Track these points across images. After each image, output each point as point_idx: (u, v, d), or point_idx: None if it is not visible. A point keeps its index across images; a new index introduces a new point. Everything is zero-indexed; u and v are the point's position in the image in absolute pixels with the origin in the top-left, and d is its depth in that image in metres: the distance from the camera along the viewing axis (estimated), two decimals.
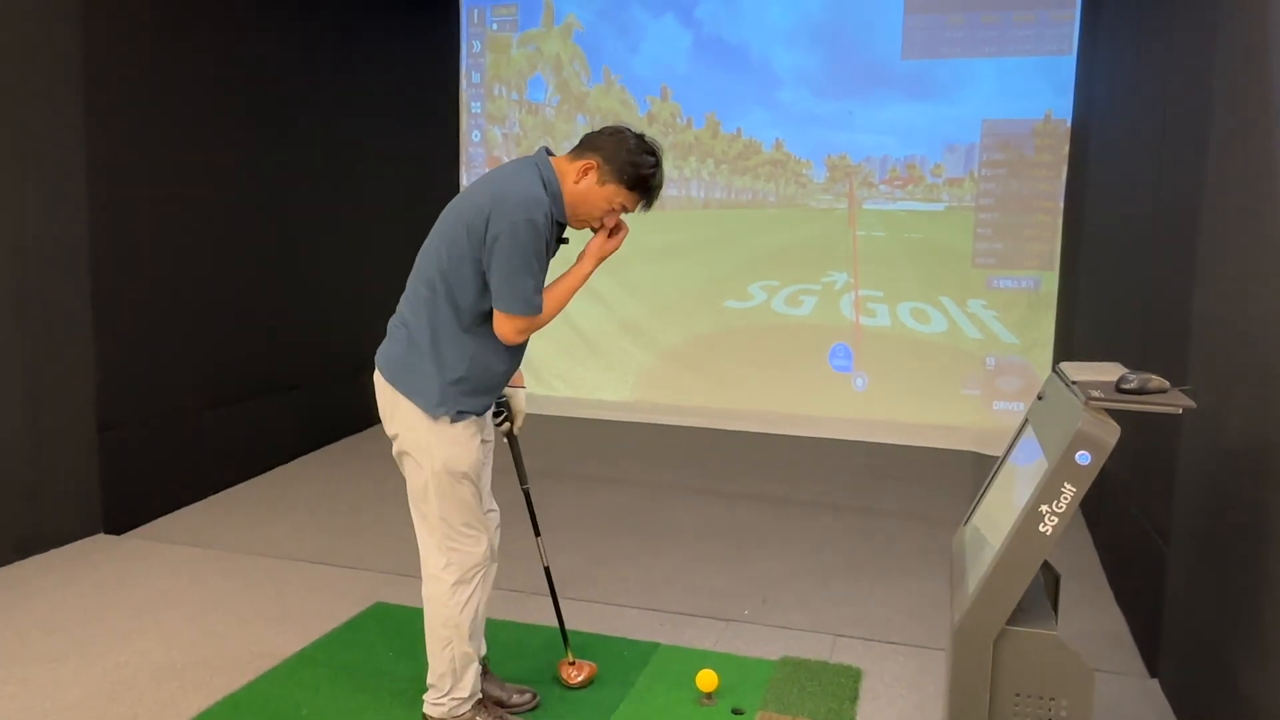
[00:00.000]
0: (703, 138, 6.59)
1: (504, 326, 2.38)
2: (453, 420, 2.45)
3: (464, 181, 7.05)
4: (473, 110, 7.02)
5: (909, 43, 6.11)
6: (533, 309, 2.37)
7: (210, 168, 4.70)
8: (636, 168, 2.41)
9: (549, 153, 2.49)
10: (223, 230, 4.81)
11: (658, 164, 2.46)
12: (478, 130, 7.02)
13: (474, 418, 2.50)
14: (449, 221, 2.43)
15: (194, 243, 4.63)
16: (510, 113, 6.95)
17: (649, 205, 2.49)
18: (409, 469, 2.51)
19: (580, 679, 2.94)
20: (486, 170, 6.93)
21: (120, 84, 4.16)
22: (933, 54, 6.08)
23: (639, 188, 2.44)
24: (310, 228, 5.47)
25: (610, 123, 6.58)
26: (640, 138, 2.46)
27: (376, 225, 6.00)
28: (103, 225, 4.10)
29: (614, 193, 2.43)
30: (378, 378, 2.51)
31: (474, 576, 2.54)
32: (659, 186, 2.48)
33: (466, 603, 2.54)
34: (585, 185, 2.42)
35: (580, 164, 2.42)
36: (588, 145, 2.45)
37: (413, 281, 2.50)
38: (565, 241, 2.53)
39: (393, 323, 2.54)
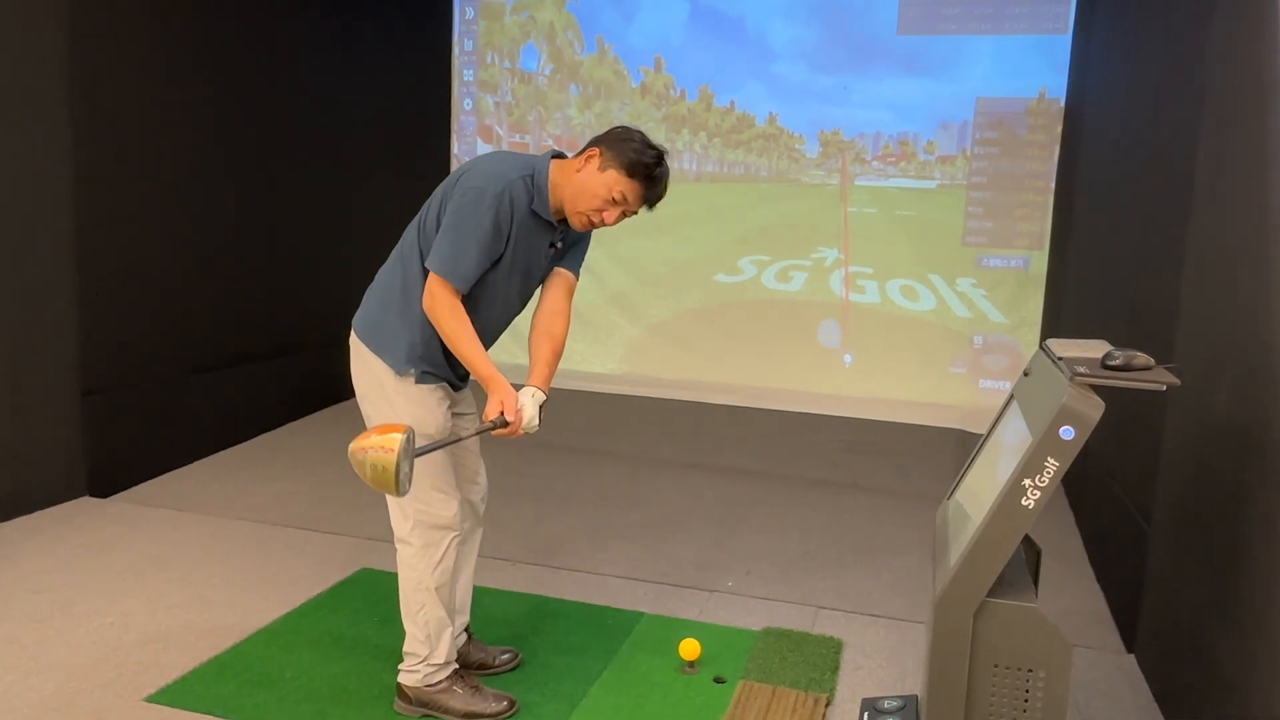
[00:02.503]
0: (696, 110, 6.56)
1: (429, 283, 2.37)
2: (417, 380, 2.46)
3: (455, 149, 7.00)
4: (465, 78, 6.96)
5: (905, 18, 6.07)
6: (452, 275, 2.33)
7: (197, 131, 4.65)
8: (638, 154, 2.40)
9: (559, 155, 2.51)
10: (209, 194, 4.76)
11: (661, 160, 2.44)
12: (469, 98, 6.96)
13: (442, 384, 2.52)
14: (435, 194, 2.49)
15: (180, 206, 4.58)
16: (503, 81, 6.89)
17: (652, 204, 2.47)
18: None
19: None
20: (477, 137, 6.92)
21: (106, 45, 4.11)
22: (929, 30, 6.04)
23: (638, 175, 2.40)
24: (299, 192, 5.43)
25: (603, 92, 6.61)
26: (645, 138, 2.46)
27: (365, 191, 5.95)
28: (87, 187, 4.06)
29: (614, 180, 2.40)
30: (352, 339, 2.55)
31: (443, 539, 2.53)
32: (661, 182, 2.45)
33: (437, 565, 2.53)
34: (586, 173, 2.42)
35: (582, 155, 2.44)
36: (594, 141, 2.47)
37: (398, 246, 2.55)
38: (555, 247, 2.52)
39: (372, 287, 2.58)
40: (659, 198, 2.48)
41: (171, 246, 4.54)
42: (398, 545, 2.56)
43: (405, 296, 2.45)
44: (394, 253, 2.54)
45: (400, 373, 2.45)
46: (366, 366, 2.49)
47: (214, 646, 2.94)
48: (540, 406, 2.45)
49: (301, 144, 5.41)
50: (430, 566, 2.52)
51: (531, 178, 2.41)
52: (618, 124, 2.52)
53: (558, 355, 2.55)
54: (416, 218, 2.51)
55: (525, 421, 2.40)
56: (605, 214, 2.44)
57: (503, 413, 2.35)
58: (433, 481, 2.51)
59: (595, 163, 2.41)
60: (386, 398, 2.46)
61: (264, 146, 5.11)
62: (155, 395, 4.49)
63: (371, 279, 2.61)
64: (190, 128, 4.60)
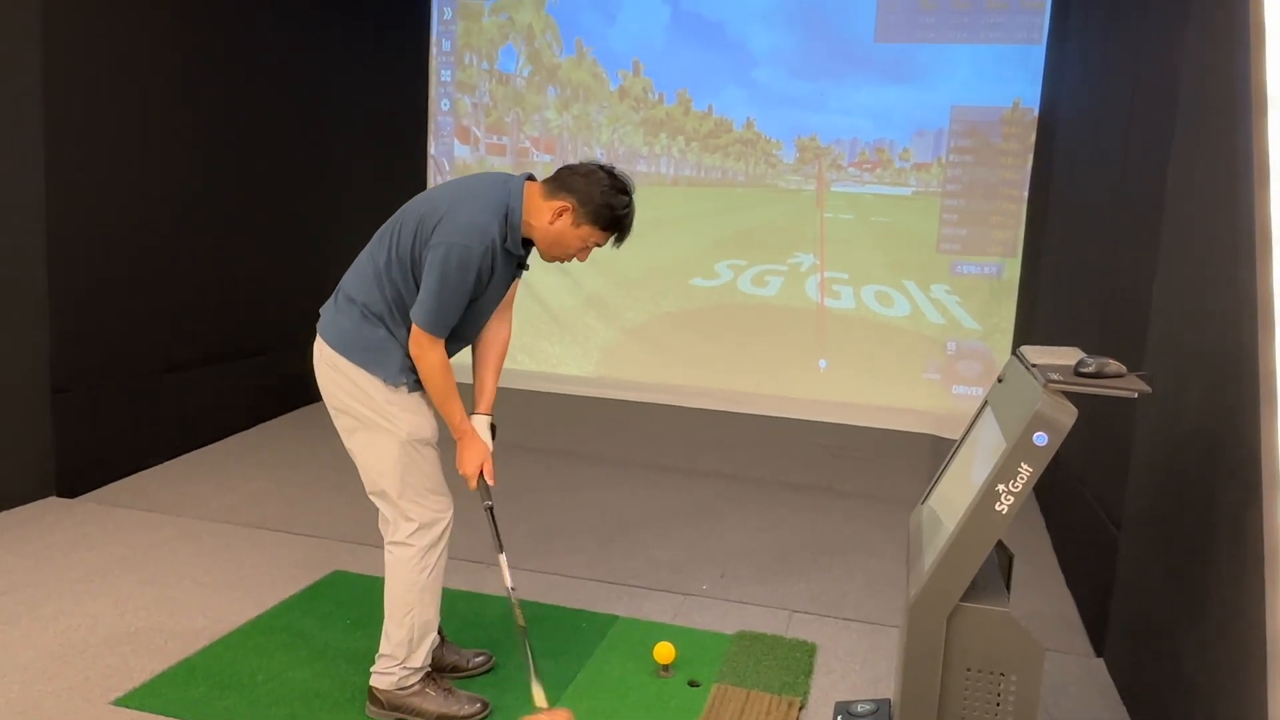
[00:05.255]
0: (674, 114, 6.56)
1: (419, 336, 2.45)
2: (410, 389, 2.50)
3: (432, 149, 6.98)
4: (442, 78, 6.93)
5: (882, 26, 6.12)
6: (434, 328, 2.42)
7: (171, 128, 4.60)
8: (611, 209, 2.46)
9: (531, 178, 2.51)
10: (183, 192, 4.71)
11: (630, 202, 2.50)
12: (447, 99, 6.94)
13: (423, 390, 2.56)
14: (411, 212, 2.48)
15: (154, 204, 4.53)
16: (480, 82, 6.87)
17: (621, 242, 2.54)
18: (364, 442, 2.51)
19: None
20: (454, 138, 6.89)
21: (81, 40, 4.05)
22: (906, 38, 6.09)
23: (612, 228, 2.49)
24: (274, 192, 5.38)
25: (581, 95, 6.61)
26: (612, 175, 2.49)
27: (341, 191, 5.92)
28: (59, 184, 4.00)
29: (588, 234, 2.48)
30: (325, 353, 2.52)
31: (441, 540, 2.57)
32: (631, 224, 2.53)
33: (433, 567, 2.56)
34: (560, 226, 2.47)
35: (555, 205, 2.45)
36: (562, 185, 2.47)
37: (368, 258, 2.52)
38: (525, 268, 2.58)
39: (339, 299, 2.54)
40: (627, 235, 2.56)
41: (144, 244, 4.49)
42: (393, 549, 2.55)
43: (394, 315, 2.48)
44: (366, 269, 2.50)
45: (395, 384, 2.48)
46: (348, 379, 2.48)
47: (183, 649, 2.91)
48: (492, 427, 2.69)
49: (277, 143, 5.36)
50: (427, 568, 2.55)
51: (506, 218, 2.43)
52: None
53: (501, 367, 2.75)
54: (387, 232, 2.48)
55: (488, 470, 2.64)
56: (579, 256, 2.55)
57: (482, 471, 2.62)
58: (430, 485, 2.55)
59: (568, 218, 2.46)
60: (377, 409, 2.48)
61: (239, 145, 5.07)
62: (126, 394, 4.44)
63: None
64: (165, 125, 4.55)
